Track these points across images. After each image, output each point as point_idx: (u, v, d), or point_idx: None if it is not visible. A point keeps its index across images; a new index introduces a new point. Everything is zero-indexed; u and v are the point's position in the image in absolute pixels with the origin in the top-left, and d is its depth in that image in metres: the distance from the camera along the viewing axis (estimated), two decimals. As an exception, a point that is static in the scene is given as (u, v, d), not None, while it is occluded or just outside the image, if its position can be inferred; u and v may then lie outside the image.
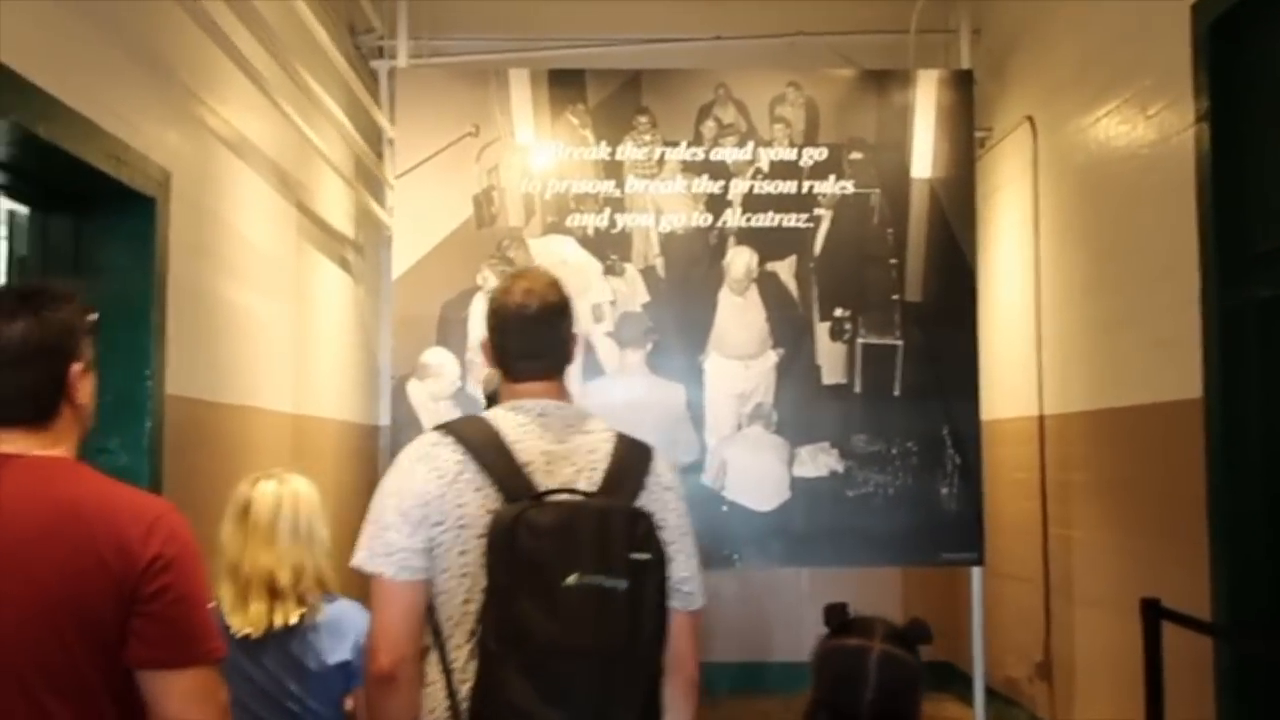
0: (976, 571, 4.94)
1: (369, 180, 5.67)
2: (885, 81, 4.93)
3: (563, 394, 2.07)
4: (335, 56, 4.89)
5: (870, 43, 5.78)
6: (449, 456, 1.94)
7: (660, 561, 1.90)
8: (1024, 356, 5.14)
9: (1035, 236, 5.09)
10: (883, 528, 4.64)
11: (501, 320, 2.06)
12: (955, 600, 5.50)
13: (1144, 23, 4.07)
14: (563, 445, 1.96)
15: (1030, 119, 5.15)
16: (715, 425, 4.68)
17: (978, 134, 5.19)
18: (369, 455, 5.83)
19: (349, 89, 5.31)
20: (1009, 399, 5.28)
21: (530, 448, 1.94)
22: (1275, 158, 3.40)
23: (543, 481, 1.91)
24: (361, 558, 1.95)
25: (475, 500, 1.91)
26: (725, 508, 4.63)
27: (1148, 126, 4.05)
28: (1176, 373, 3.75)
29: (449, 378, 4.67)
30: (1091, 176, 4.54)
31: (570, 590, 1.78)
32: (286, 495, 2.59)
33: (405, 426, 4.65)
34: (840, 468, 4.68)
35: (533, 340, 2.04)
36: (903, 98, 4.86)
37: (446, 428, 2.00)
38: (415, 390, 4.68)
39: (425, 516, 1.91)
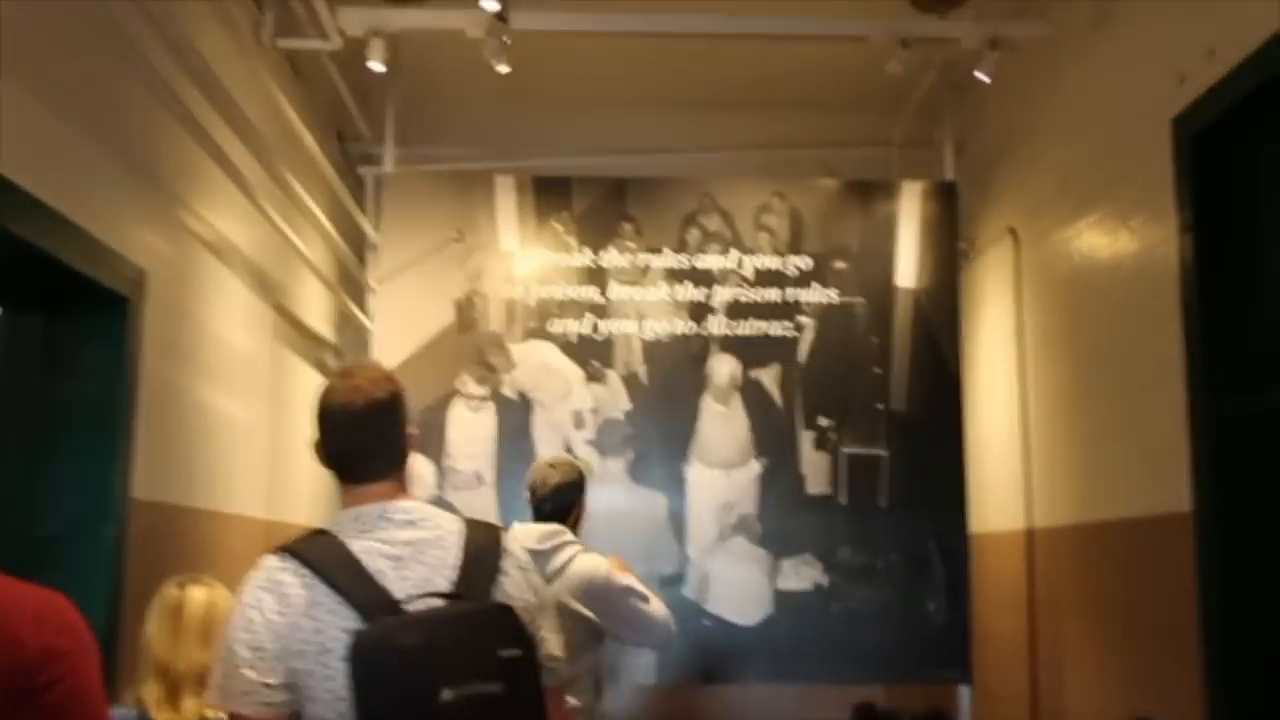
0: (964, 690, 4.80)
1: (351, 285, 5.64)
2: (869, 192, 4.96)
3: (404, 492, 1.97)
4: (321, 161, 4.90)
5: (855, 155, 5.83)
6: (294, 582, 1.83)
7: (531, 653, 1.84)
8: (1011, 469, 5.08)
9: (1020, 348, 5.07)
10: (868, 644, 4.52)
11: (330, 420, 1.97)
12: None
13: (1125, 136, 4.11)
14: (411, 546, 1.87)
15: (1013, 231, 5.17)
16: (697, 536, 4.59)
17: (961, 246, 5.20)
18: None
19: (333, 194, 5.32)
20: (996, 512, 5.20)
21: (378, 556, 1.85)
22: (1261, 267, 3.40)
23: (397, 588, 1.81)
24: (216, 696, 1.84)
25: (332, 623, 1.80)
26: (707, 622, 4.51)
27: (1131, 238, 4.06)
28: (1165, 486, 3.69)
29: (426, 485, 4.58)
30: (1075, 288, 4.54)
31: (447, 706, 1.70)
32: (220, 599, 2.57)
33: (380, 534, 4.53)
34: (825, 581, 4.57)
35: (364, 439, 1.95)
36: (886, 208, 4.89)
37: (287, 550, 1.88)
38: (391, 497, 4.56)
39: (283, 649, 1.80)
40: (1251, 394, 3.41)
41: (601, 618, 3.20)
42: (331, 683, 1.78)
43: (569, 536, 3.25)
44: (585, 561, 3.23)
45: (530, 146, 5.85)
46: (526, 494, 3.33)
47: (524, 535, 3.18)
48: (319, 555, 1.85)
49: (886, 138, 5.80)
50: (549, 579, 3.16)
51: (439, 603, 1.80)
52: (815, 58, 5.35)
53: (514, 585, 1.92)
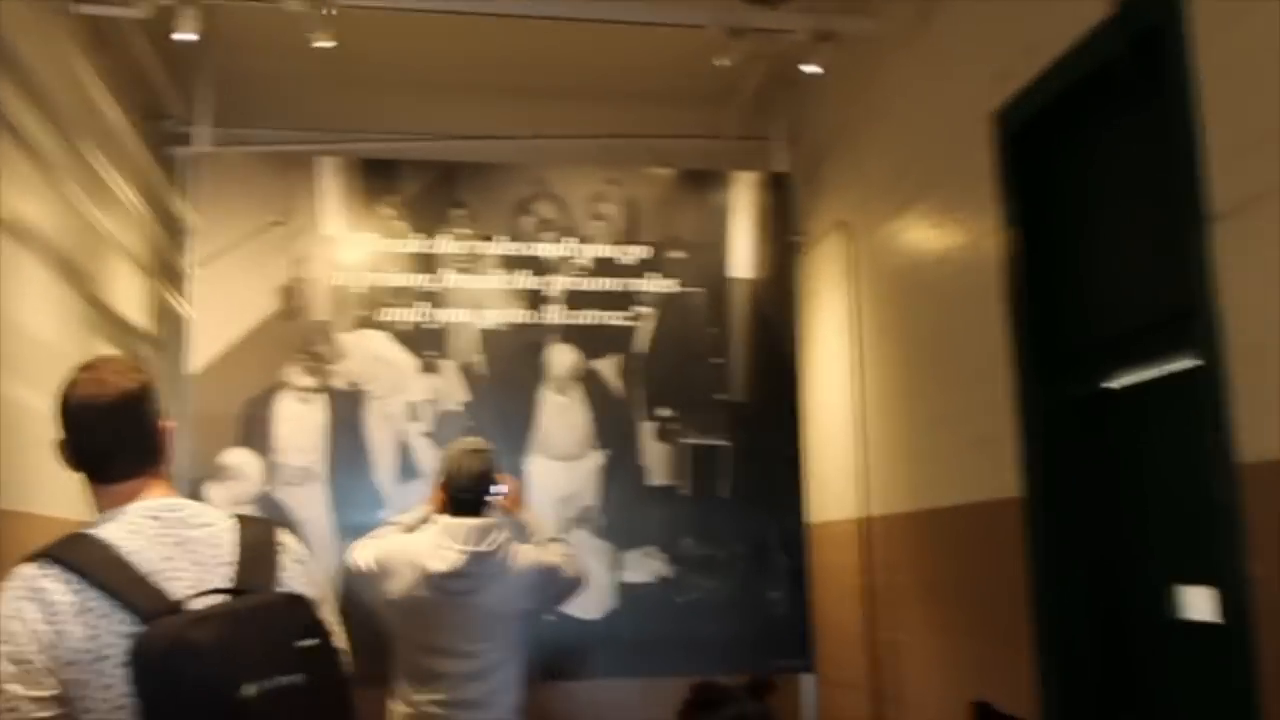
0: (808, 679, 4.84)
1: (169, 273, 5.31)
2: (703, 182, 4.94)
3: (168, 488, 1.87)
4: (129, 139, 4.59)
5: (688, 147, 5.80)
6: (58, 588, 1.70)
7: (328, 642, 1.78)
8: (849, 458, 5.14)
9: (855, 339, 5.13)
10: (712, 634, 4.51)
11: (75, 416, 1.86)
12: (788, 707, 5.36)
13: (948, 130, 4.19)
14: (183, 545, 1.78)
15: (845, 223, 5.23)
16: (540, 529, 4.47)
17: (795, 238, 5.24)
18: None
19: (145, 175, 5.00)
20: (835, 501, 5.25)
21: (149, 555, 1.74)
22: (1082, 257, 3.50)
23: (173, 588, 1.72)
24: None
25: (105, 628, 1.69)
26: (550, 616, 4.40)
27: (957, 231, 4.14)
28: (995, 472, 3.78)
29: (251, 480, 4.35)
30: (906, 279, 4.62)
31: (250, 701, 1.62)
32: None
33: (199, 536, 4.27)
34: (668, 573, 4.54)
35: (116, 434, 1.85)
36: (721, 198, 4.88)
37: (47, 556, 1.75)
38: (214, 495, 4.32)
39: (52, 660, 1.68)
40: (1075, 380, 3.52)
41: (538, 602, 3.32)
42: (109, 691, 1.67)
43: (506, 532, 3.23)
44: (525, 555, 3.25)
45: (355, 130, 5.60)
46: (440, 480, 3.28)
47: (460, 533, 3.13)
48: (84, 559, 1.73)
49: (719, 130, 5.79)
50: (492, 580, 3.13)
51: (221, 599, 1.71)
52: (649, 48, 5.30)
53: (294, 579, 1.85)
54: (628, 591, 4.50)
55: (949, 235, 4.20)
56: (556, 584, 3.33)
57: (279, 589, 1.81)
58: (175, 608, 1.68)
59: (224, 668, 1.63)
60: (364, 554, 3.26)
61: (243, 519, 1.88)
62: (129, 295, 5.03)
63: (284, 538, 1.91)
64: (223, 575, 1.77)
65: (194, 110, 4.90)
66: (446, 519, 3.20)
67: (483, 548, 3.11)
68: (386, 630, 3.24)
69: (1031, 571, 3.53)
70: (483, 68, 5.57)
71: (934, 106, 4.32)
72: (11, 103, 3.53)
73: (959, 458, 4.11)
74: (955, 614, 4.17)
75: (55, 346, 4.07)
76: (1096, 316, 3.45)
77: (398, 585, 3.14)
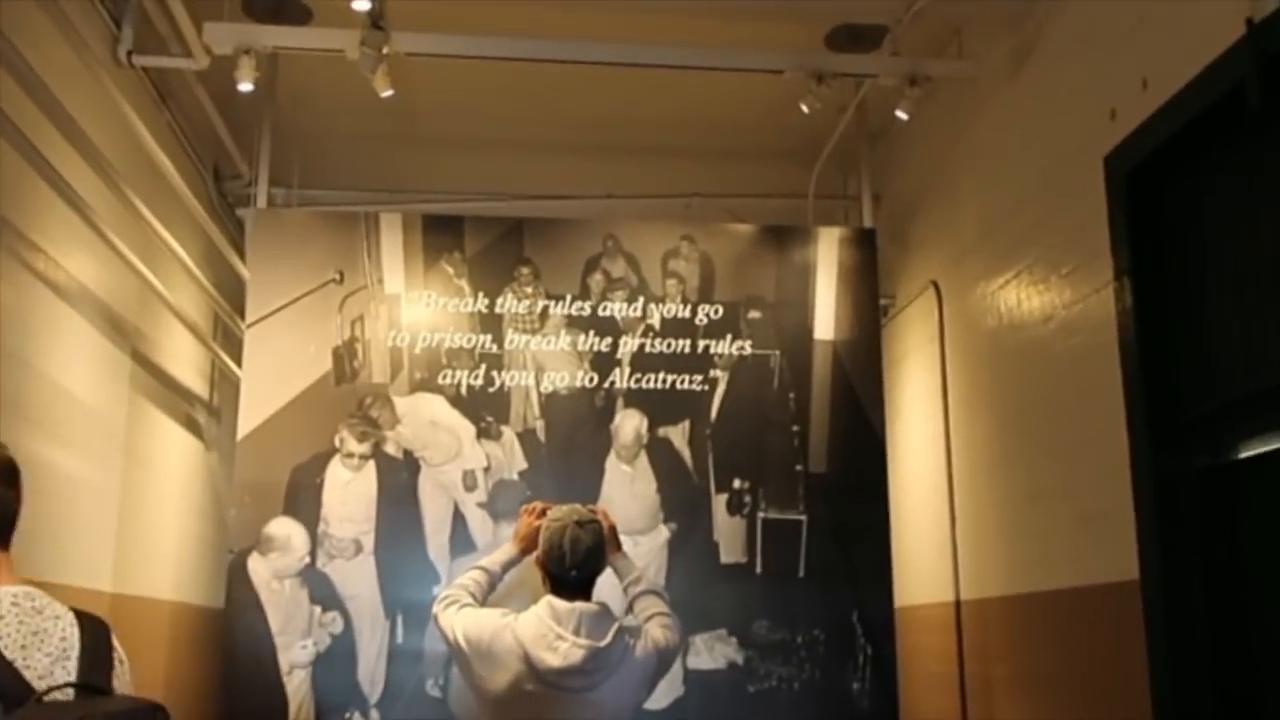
0: (892, 778, 4.40)
1: (229, 338, 5.17)
2: (784, 238, 4.66)
3: (12, 572, 1.81)
4: (187, 197, 4.47)
5: (767, 206, 5.56)
6: None
7: None
8: (936, 537, 4.75)
9: (944, 407, 4.78)
10: (788, 727, 4.12)
11: None
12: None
13: (1052, 177, 3.88)
14: (36, 634, 1.73)
15: (935, 284, 4.92)
16: (637, 577, 4.15)
17: (881, 302, 4.93)
18: (210, 644, 5.13)
19: (205, 235, 4.88)
20: (920, 583, 4.85)
21: (8, 641, 1.70)
22: (1205, 314, 3.14)
23: (28, 679, 1.67)
24: None
25: None
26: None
27: (1062, 286, 3.80)
28: (1107, 551, 3.39)
29: (296, 552, 4.10)
30: (1002, 342, 4.27)
31: None
32: None
33: (244, 610, 4.03)
34: (740, 659, 4.17)
35: None
36: (803, 255, 4.59)
37: None
38: (257, 567, 4.08)
39: None
40: (1198, 449, 3.14)
41: (651, 690, 2.91)
42: None
43: (617, 618, 2.81)
44: (642, 644, 2.81)
45: (419, 190, 5.44)
46: (539, 556, 2.85)
47: (571, 620, 2.70)
48: None
49: (800, 188, 5.54)
50: (611, 675, 2.71)
51: (76, 696, 1.72)
52: (726, 104, 5.09)
53: (120, 681, 1.84)
54: (696, 679, 4.13)
55: (1053, 291, 3.85)
56: (667, 666, 2.92)
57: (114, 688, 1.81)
58: (39, 698, 1.66)
59: None
60: (457, 623, 2.81)
61: (81, 615, 1.84)
62: (185, 359, 4.89)
63: (115, 640, 1.88)
64: (66, 670, 1.75)
65: (255, 168, 4.77)
66: (554, 601, 2.74)
67: (602, 643, 2.68)
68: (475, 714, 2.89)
69: (1152, 662, 3.13)
70: (552, 125, 5.42)
71: (1035, 152, 4.02)
72: (58, 155, 3.41)
73: (1064, 536, 3.72)
74: (1062, 709, 3.74)
75: (97, 407, 3.90)
76: (1222, 378, 3.08)
77: (500, 677, 2.69)
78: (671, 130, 5.44)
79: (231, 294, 4.94)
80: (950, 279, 4.82)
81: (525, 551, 3.04)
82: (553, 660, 2.64)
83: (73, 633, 1.78)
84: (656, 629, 2.86)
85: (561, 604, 2.73)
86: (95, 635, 1.82)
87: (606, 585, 2.93)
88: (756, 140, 5.49)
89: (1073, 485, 3.68)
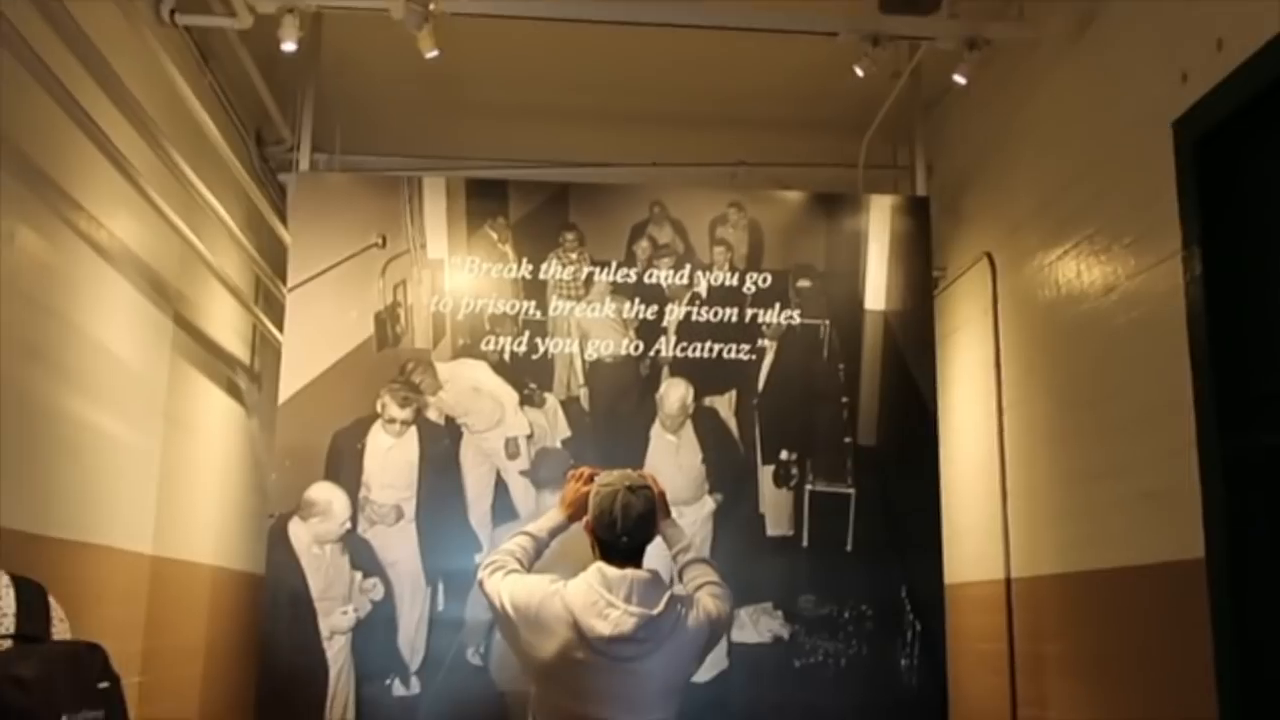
0: (939, 758, 4.32)
1: (270, 303, 5.14)
2: (835, 206, 4.55)
3: None
4: (231, 160, 4.43)
5: (815, 175, 5.44)
6: None
7: (119, 686, 2.09)
8: (986, 513, 4.64)
9: (996, 381, 4.66)
10: (834, 704, 4.04)
11: None
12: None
13: (1116, 144, 3.74)
14: None
15: (989, 256, 4.79)
16: (686, 545, 4.08)
17: (933, 273, 4.81)
18: (250, 608, 5.13)
19: (248, 199, 4.83)
20: (970, 560, 4.75)
21: None
22: (1276, 287, 3.01)
23: None
24: None
25: None
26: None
27: (1125, 257, 3.67)
28: (1170, 530, 3.28)
29: (337, 517, 4.06)
30: (1059, 315, 4.14)
31: None
32: None
33: (284, 574, 4.00)
34: (785, 633, 4.10)
35: None
36: (854, 224, 4.49)
37: None
38: (297, 531, 4.05)
39: None
40: (1266, 429, 3.02)
41: (703, 660, 2.83)
42: None
43: (670, 586, 2.72)
44: (695, 613, 2.72)
45: (463, 156, 5.37)
46: (589, 521, 2.77)
47: (623, 587, 2.62)
48: None
49: (849, 158, 5.41)
50: (663, 644, 2.62)
51: (47, 642, 2.02)
52: (775, 69, 4.98)
53: (61, 634, 2.10)
54: (741, 652, 4.06)
55: (1115, 262, 3.73)
56: (718, 637, 2.82)
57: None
58: None
59: (44, 699, 1.88)
60: (504, 589, 2.73)
61: (15, 577, 2.08)
62: (227, 323, 4.86)
63: (52, 599, 2.14)
64: (5, 626, 1.99)
65: (297, 132, 4.72)
66: (604, 568, 2.66)
67: (655, 611, 2.59)
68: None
69: (1216, 642, 3.02)
70: (598, 92, 5.33)
71: (1099, 118, 3.88)
72: (104, 117, 3.37)
73: (1123, 514, 3.61)
74: (1118, 691, 3.64)
75: (138, 368, 3.87)
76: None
77: (548, 644, 2.61)
78: (719, 98, 5.33)
79: (273, 259, 4.91)
80: (1005, 250, 4.69)
81: (573, 518, 2.97)
82: (603, 628, 2.56)
83: (8, 594, 2.02)
84: (708, 599, 2.78)
85: (612, 571, 2.65)
86: (30, 594, 2.07)
87: (654, 553, 2.84)
88: (805, 109, 5.37)
89: (1134, 462, 3.57)
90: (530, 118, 5.46)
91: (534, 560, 2.91)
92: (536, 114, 5.45)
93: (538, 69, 5.09)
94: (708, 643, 2.75)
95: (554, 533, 2.99)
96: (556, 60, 4.98)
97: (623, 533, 2.69)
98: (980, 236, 4.92)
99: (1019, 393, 4.51)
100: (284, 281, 4.38)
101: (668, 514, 3.00)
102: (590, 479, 2.93)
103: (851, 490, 4.22)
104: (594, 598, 2.60)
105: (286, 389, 4.15)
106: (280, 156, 5.27)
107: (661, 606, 2.61)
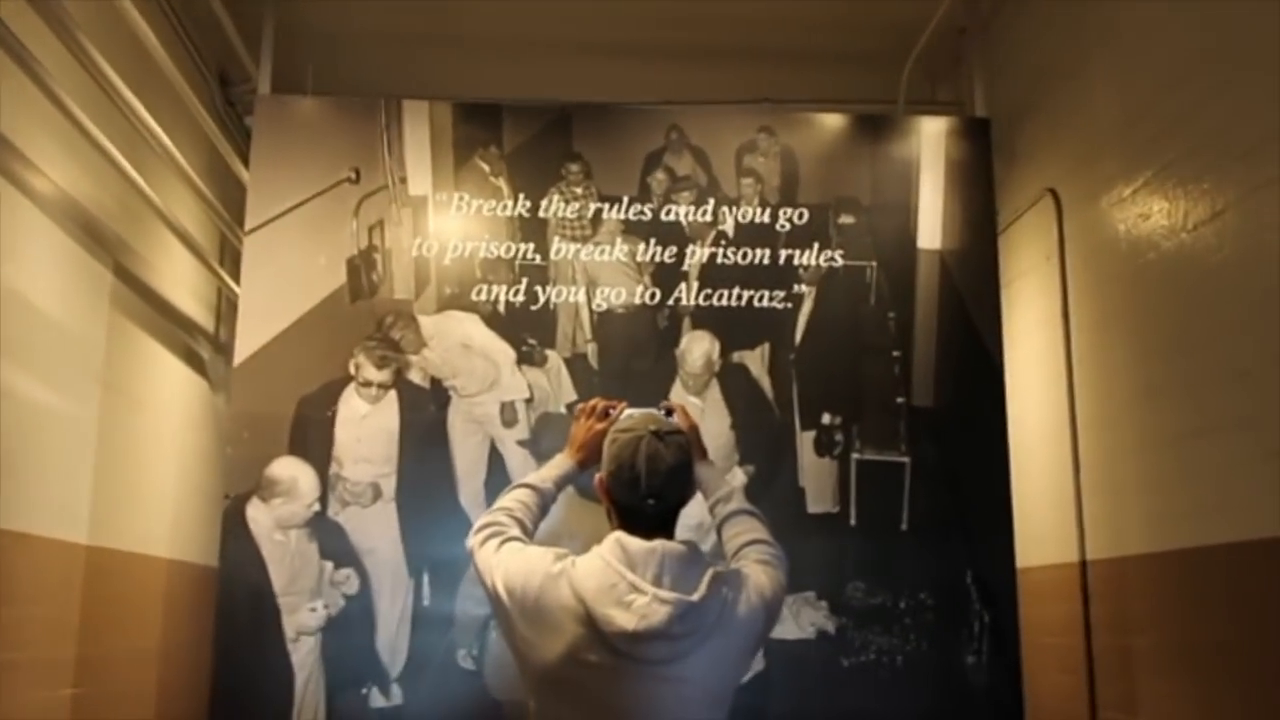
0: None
1: (237, 263, 4.56)
2: (880, 130, 3.97)
3: None
4: (190, 99, 3.88)
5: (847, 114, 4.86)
6: None
7: None
8: (1055, 487, 4.05)
9: (1065, 334, 4.08)
10: (889, 709, 3.47)
11: None
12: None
13: (1211, 58, 3.16)
14: None
15: (1052, 192, 4.20)
16: (726, 493, 3.51)
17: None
18: (205, 607, 4.54)
19: (210, 145, 4.27)
20: (1035, 541, 4.15)
21: None
22: None
23: None
24: None
25: None
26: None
27: (1221, 182, 3.09)
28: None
29: (304, 498, 3.48)
30: (1142, 253, 3.56)
31: None
32: None
33: (241, 565, 3.42)
34: (831, 627, 3.51)
35: None
36: (903, 150, 3.91)
37: None
38: (257, 515, 3.46)
39: None
40: None
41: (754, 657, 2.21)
42: None
43: (711, 563, 2.09)
44: (746, 596, 2.09)
45: (449, 99, 4.80)
46: (602, 476, 2.16)
47: (650, 565, 1.99)
48: None
49: (887, 94, 4.83)
50: (707, 641, 2.00)
51: None
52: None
53: None
54: (780, 650, 3.47)
55: (1211, 189, 3.14)
56: (774, 621, 2.16)
57: None
58: None
59: None
60: (497, 565, 2.12)
61: None
62: (181, 281, 4.27)
63: None
64: None
65: (259, 59, 4.15)
66: (625, 539, 2.04)
67: (694, 596, 1.98)
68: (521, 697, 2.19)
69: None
70: (604, 23, 4.77)
71: (1184, 28, 3.30)
72: (39, 41, 2.83)
73: (1231, 480, 3.03)
74: (1225, 693, 3.06)
75: (72, 328, 3.29)
76: None
77: (552, 644, 2.00)
78: (739, 29, 4.77)
79: (239, 212, 4.33)
80: (1072, 185, 4.11)
81: (584, 464, 2.36)
82: (625, 621, 1.95)
83: None
84: (758, 569, 2.15)
85: (636, 543, 2.03)
86: None
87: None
88: (835, 40, 4.82)
89: (1238, 421, 2.99)
90: (527, 52, 4.88)
91: (538, 520, 2.29)
92: (536, 49, 4.88)
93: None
94: (763, 631, 2.12)
95: (562, 483, 2.38)
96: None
97: (648, 493, 2.08)
98: (1041, 171, 4.34)
99: (1094, 347, 3.93)
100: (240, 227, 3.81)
101: (704, 455, 2.39)
102: (605, 414, 2.32)
103: (906, 459, 3.64)
104: (612, 579, 1.98)
105: (244, 348, 3.56)
106: (246, 100, 4.69)
107: (703, 590, 2.00)
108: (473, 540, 2.22)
